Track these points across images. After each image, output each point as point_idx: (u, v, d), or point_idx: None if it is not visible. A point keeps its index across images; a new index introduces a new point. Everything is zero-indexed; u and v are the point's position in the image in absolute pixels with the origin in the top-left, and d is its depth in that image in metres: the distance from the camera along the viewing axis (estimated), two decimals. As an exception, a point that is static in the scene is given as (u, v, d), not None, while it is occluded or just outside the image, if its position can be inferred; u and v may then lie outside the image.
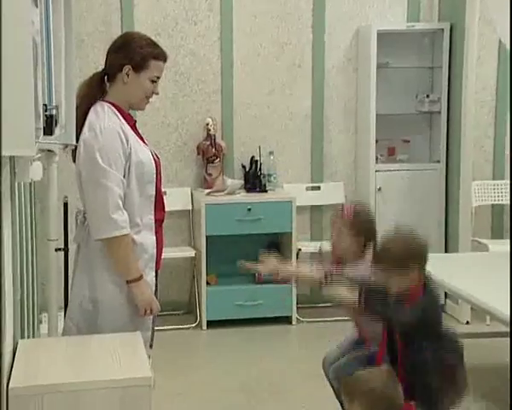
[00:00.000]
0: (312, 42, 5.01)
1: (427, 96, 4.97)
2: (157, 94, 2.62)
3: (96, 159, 2.43)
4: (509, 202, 4.74)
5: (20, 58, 1.77)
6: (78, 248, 2.64)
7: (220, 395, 3.74)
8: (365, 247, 2.79)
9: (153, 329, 2.71)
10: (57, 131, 2.33)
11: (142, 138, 2.63)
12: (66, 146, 2.61)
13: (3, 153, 1.84)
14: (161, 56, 2.58)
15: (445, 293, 4.88)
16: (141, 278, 2.50)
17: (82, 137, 2.48)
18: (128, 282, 2.49)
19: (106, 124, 2.48)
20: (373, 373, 2.37)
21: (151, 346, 2.69)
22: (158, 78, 2.59)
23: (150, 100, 2.63)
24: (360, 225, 2.79)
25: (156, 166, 2.59)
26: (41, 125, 2.10)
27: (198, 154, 4.92)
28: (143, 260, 2.55)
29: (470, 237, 4.83)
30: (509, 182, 4.80)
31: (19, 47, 1.76)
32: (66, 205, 3.60)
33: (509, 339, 3.00)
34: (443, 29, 4.85)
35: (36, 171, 2.57)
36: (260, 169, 4.89)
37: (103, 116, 2.50)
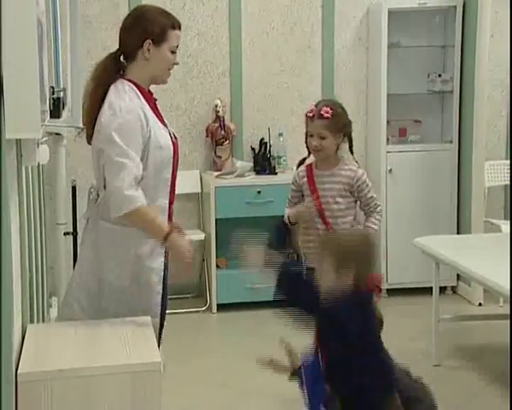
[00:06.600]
0: (322, 21, 4.94)
1: (439, 75, 4.90)
2: (177, 64, 2.57)
3: (113, 138, 2.38)
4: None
5: (24, 38, 1.74)
6: (87, 224, 2.61)
7: (230, 378, 3.73)
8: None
9: (164, 310, 2.67)
10: (65, 113, 2.31)
11: (161, 118, 2.59)
12: (81, 130, 2.56)
13: (9, 136, 1.82)
14: (177, 25, 2.54)
15: (458, 275, 4.86)
16: (170, 233, 2.44)
17: (101, 116, 2.42)
18: (161, 243, 2.46)
19: (127, 104, 2.42)
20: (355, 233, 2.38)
21: (162, 325, 2.64)
22: (177, 47, 2.54)
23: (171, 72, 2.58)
24: (340, 122, 3.04)
25: (174, 150, 2.55)
26: (47, 107, 2.08)
27: (207, 136, 4.88)
28: (151, 244, 2.51)
29: (483, 218, 4.77)
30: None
31: (22, 27, 1.73)
32: (74, 188, 3.58)
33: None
34: (455, 6, 4.77)
35: (43, 154, 2.55)
36: (270, 151, 4.85)
37: (124, 96, 2.45)
